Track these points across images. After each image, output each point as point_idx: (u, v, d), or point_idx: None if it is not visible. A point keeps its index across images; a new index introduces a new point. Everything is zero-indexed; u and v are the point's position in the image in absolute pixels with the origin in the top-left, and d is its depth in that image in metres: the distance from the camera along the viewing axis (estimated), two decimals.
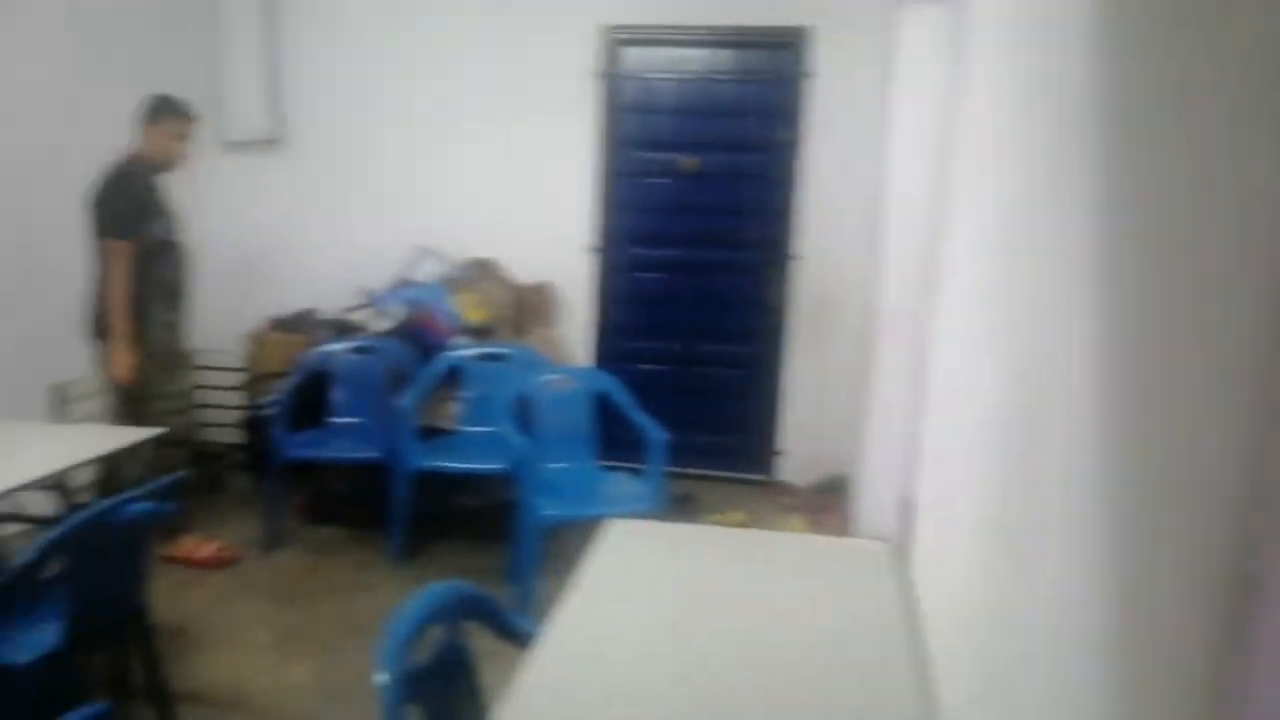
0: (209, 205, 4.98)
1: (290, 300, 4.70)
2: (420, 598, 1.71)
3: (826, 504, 4.06)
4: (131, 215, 3.49)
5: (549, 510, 3.07)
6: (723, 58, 4.53)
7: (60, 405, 4.05)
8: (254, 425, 4.51)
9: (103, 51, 4.23)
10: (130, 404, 3.56)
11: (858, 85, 4.33)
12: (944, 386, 2.15)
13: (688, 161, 4.59)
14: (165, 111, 3.58)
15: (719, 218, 4.59)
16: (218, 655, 2.98)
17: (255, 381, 4.61)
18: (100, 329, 3.55)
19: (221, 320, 4.96)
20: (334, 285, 4.54)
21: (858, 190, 4.37)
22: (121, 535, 2.27)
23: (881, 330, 3.85)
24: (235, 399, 4.75)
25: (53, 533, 2.11)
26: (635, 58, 4.59)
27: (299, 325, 4.57)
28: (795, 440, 4.60)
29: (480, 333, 4.33)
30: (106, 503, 2.22)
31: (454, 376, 3.97)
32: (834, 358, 4.48)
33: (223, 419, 4.79)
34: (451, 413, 3.96)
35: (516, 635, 1.88)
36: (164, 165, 3.65)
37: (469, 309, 4.34)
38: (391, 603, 3.28)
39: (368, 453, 3.77)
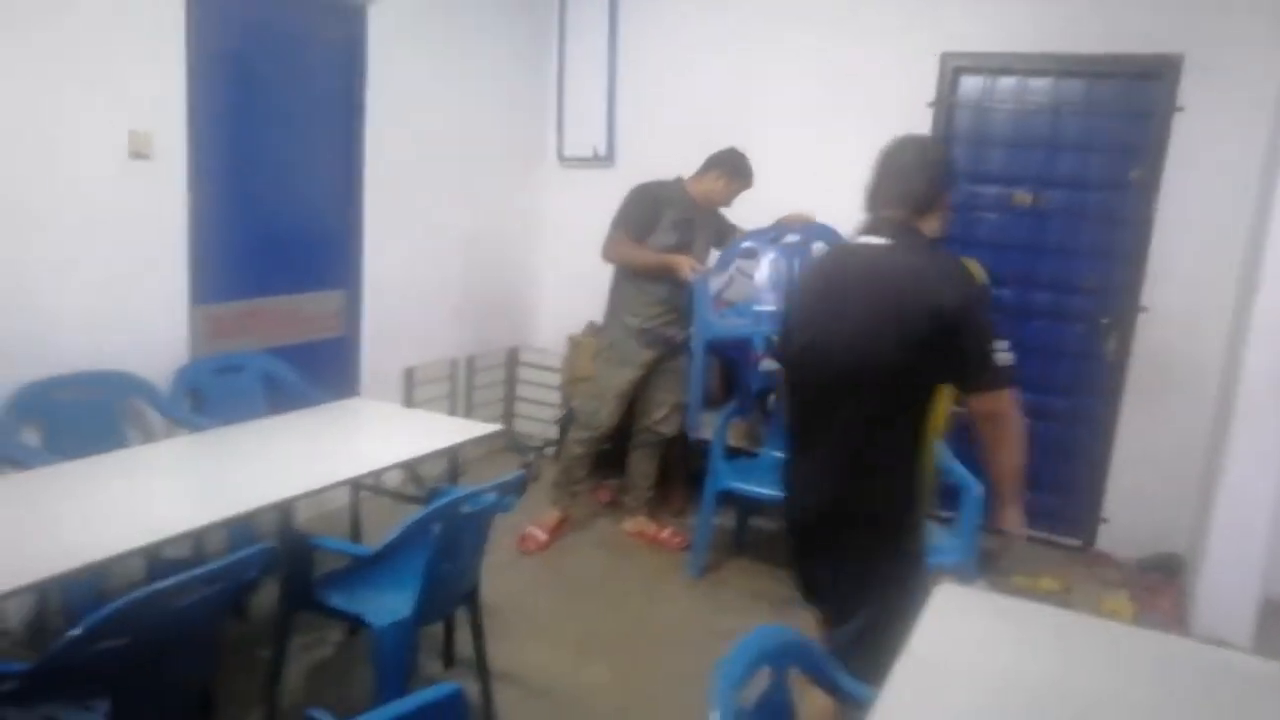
0: (546, 215, 5.39)
1: None
2: (752, 639, 1.72)
3: (1155, 585, 3.66)
4: (642, 222, 3.87)
5: None
6: (1072, 88, 4.21)
7: (410, 387, 4.56)
8: (565, 424, 4.81)
9: (468, 75, 4.70)
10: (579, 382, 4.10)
11: (1237, 122, 3.87)
12: None
13: (1021, 196, 4.32)
14: (741, 175, 3.93)
15: (1053, 259, 4.28)
16: (526, 640, 3.18)
17: (570, 383, 4.92)
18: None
19: (552, 321, 5.36)
20: None
21: (1226, 241, 3.92)
22: (474, 521, 2.49)
23: (1244, 401, 3.42)
24: (554, 397, 5.11)
25: (418, 514, 2.36)
26: (972, 86, 4.38)
27: None
28: (1121, 509, 4.19)
29: None
30: (464, 491, 2.44)
31: (762, 399, 4.00)
32: (1178, 424, 4.03)
33: (541, 415, 5.16)
34: (758, 435, 4.00)
35: (841, 694, 1.85)
36: (704, 202, 3.98)
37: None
38: (687, 617, 3.41)
39: None
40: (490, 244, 5.03)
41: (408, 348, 4.55)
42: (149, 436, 3.28)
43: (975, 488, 3.15)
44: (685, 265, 3.78)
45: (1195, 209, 3.98)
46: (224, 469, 2.62)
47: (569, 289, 5.22)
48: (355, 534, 3.32)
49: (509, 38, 4.97)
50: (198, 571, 1.85)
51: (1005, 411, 2.02)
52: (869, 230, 2.14)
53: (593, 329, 4.89)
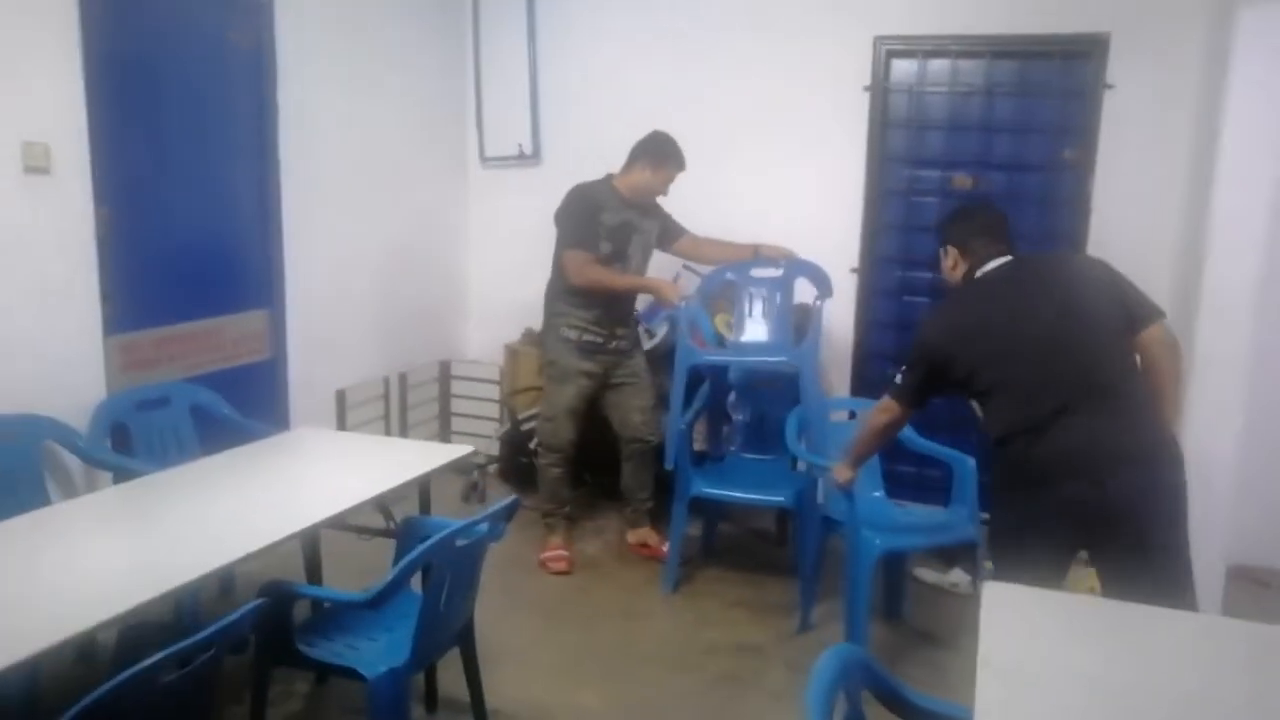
0: (470, 219, 5.15)
1: None
2: (826, 662, 1.58)
3: None
4: (588, 231, 3.64)
5: (879, 542, 2.90)
6: (1003, 69, 4.24)
7: (343, 410, 4.25)
8: (510, 438, 4.58)
9: (381, 75, 4.42)
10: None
11: (1166, 97, 3.95)
12: None
13: (961, 180, 4.34)
14: (669, 160, 3.69)
15: None
16: (508, 672, 2.93)
17: (513, 395, 4.69)
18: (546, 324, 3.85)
19: (483, 330, 5.11)
20: None
21: (1161, 218, 3.99)
22: (468, 554, 2.28)
23: (1200, 373, 3.48)
24: (492, 410, 4.87)
25: (414, 554, 2.13)
26: (905, 70, 4.37)
27: None
28: None
29: None
30: (455, 524, 2.22)
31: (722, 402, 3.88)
32: None
33: (480, 430, 4.91)
34: (723, 435, 3.87)
35: (917, 712, 1.73)
36: (638, 198, 3.74)
37: (727, 329, 4.24)
38: (670, 633, 3.25)
39: None
40: (414, 251, 4.76)
41: (336, 368, 4.24)
42: (68, 484, 2.92)
43: (968, 462, 3.11)
44: (671, 292, 3.60)
45: (1130, 187, 4.04)
46: (164, 525, 2.25)
47: (499, 295, 5.01)
48: (314, 575, 3.03)
49: (420, 34, 4.71)
50: (188, 641, 1.60)
51: (1176, 337, 2.40)
52: (991, 261, 2.51)
53: (531, 336, 4.68)
